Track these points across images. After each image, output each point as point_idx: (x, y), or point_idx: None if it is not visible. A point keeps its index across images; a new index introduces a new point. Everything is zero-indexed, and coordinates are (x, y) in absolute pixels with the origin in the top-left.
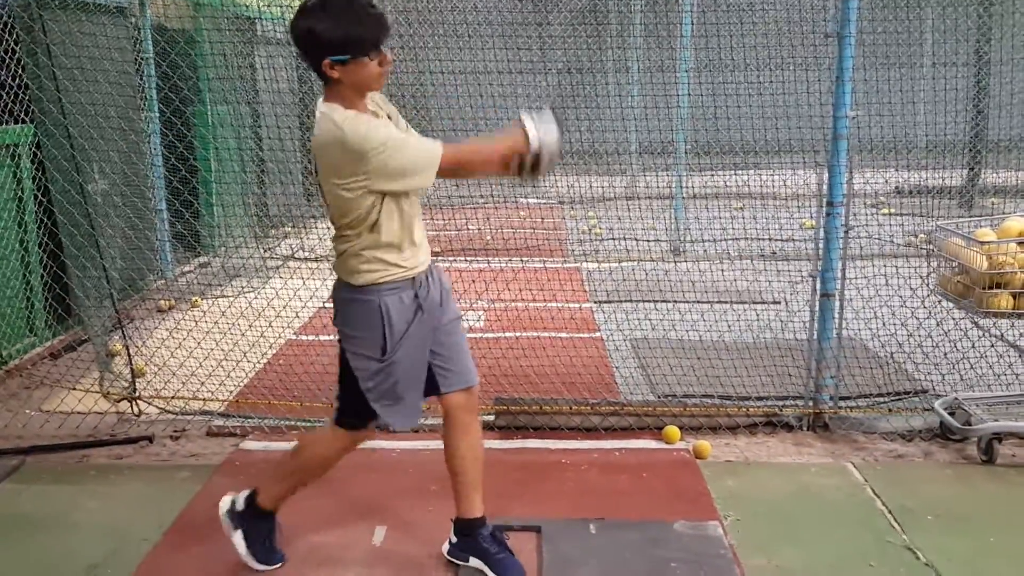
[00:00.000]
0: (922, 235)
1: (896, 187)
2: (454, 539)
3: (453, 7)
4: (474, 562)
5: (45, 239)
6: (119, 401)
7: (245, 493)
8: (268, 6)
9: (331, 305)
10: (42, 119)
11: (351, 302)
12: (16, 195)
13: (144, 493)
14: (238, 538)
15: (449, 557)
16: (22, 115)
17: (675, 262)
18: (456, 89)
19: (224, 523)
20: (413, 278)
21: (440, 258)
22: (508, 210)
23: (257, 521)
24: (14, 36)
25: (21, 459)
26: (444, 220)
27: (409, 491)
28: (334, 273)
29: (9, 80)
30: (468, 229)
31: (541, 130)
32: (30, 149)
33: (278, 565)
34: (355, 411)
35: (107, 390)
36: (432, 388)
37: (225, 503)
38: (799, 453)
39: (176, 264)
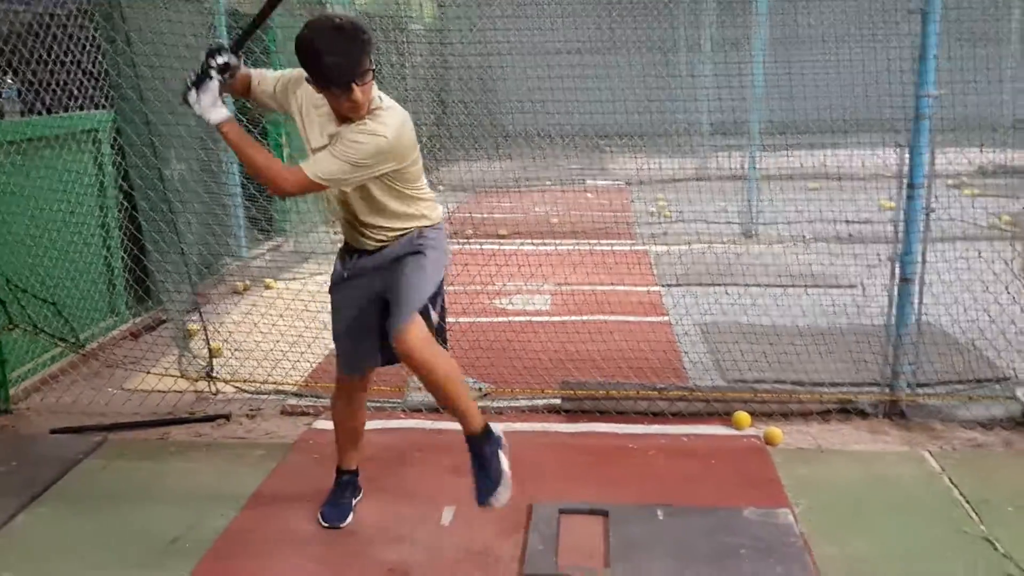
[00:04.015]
0: (1007, 217)
1: (980, 167)
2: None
3: None
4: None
5: (126, 223)
6: (197, 381)
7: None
8: None
9: None
10: (121, 105)
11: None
12: (98, 179)
13: (222, 469)
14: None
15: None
16: (103, 101)
17: (747, 244)
18: (524, 71)
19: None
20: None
21: (507, 242)
22: (575, 193)
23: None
24: (94, 23)
25: (104, 436)
26: (511, 203)
27: None
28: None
29: (89, 67)
30: (535, 212)
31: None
32: (110, 135)
33: (339, 524)
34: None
35: (185, 370)
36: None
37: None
38: (874, 441)
39: (250, 247)
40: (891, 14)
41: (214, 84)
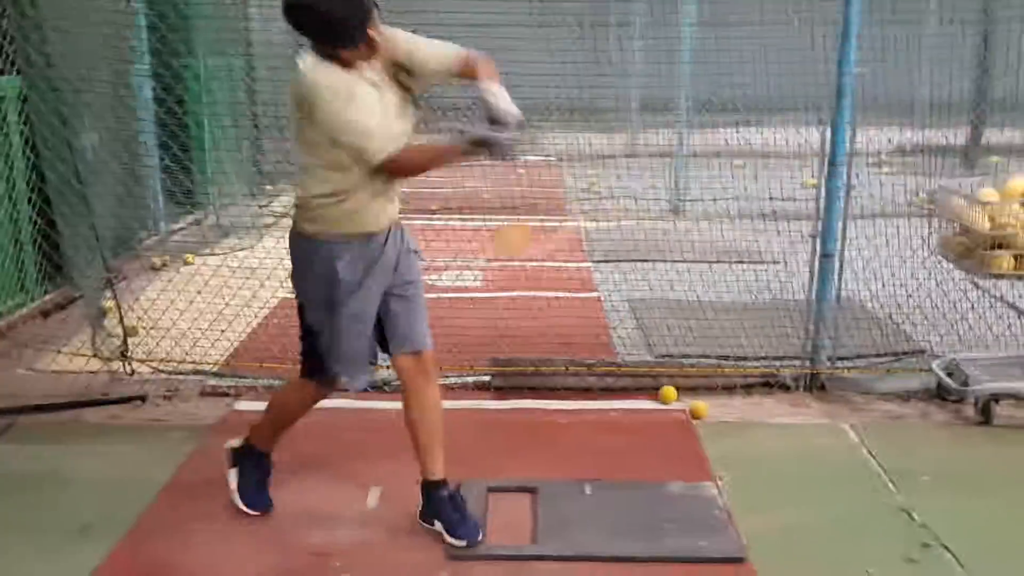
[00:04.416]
0: (924, 195)
1: (899, 146)
2: (420, 502)
3: None
4: (436, 524)
5: (35, 195)
6: (111, 361)
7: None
8: None
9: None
10: (28, 71)
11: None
12: (3, 149)
13: (138, 453)
14: (232, 475)
15: (420, 521)
16: (9, 67)
17: (675, 221)
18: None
19: (225, 460)
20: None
21: (436, 216)
22: (506, 168)
23: (249, 459)
24: None
25: (12, 419)
26: (441, 178)
27: (406, 452)
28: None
29: None
30: (465, 187)
31: (502, 103)
32: (18, 102)
33: (261, 511)
34: (319, 363)
35: (99, 349)
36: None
37: (233, 441)
38: (796, 414)
39: (169, 221)
40: None
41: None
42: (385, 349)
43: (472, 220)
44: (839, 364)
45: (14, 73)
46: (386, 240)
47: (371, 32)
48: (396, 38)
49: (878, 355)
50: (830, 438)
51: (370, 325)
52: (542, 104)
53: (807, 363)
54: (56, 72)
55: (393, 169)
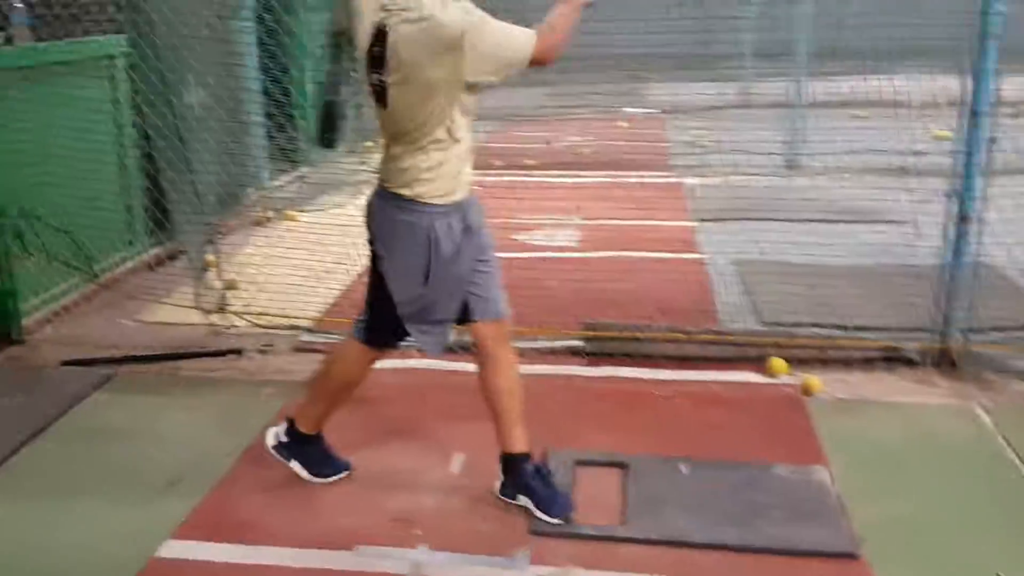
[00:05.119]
0: None
1: None
2: (501, 477)
3: None
4: (521, 499)
5: (143, 151)
6: (210, 314)
7: (284, 425)
8: None
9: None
10: (133, 30)
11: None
12: (113, 106)
13: (230, 407)
14: (296, 467)
15: (500, 496)
16: (119, 27)
17: (790, 177)
18: None
19: (277, 459)
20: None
21: (533, 173)
22: (608, 122)
23: (305, 447)
24: None
25: (114, 369)
26: (541, 132)
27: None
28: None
29: None
30: (565, 142)
31: None
32: (125, 60)
33: (346, 472)
34: (391, 329)
35: (199, 302)
36: (464, 315)
37: (270, 439)
38: (921, 392)
39: (273, 177)
40: None
41: None
42: (466, 314)
43: (569, 177)
44: (972, 338)
45: (124, 33)
46: (473, 204)
47: None
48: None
49: (1018, 328)
50: (960, 421)
51: (459, 296)
52: (650, 54)
53: (936, 336)
54: (158, 31)
55: (548, 50)
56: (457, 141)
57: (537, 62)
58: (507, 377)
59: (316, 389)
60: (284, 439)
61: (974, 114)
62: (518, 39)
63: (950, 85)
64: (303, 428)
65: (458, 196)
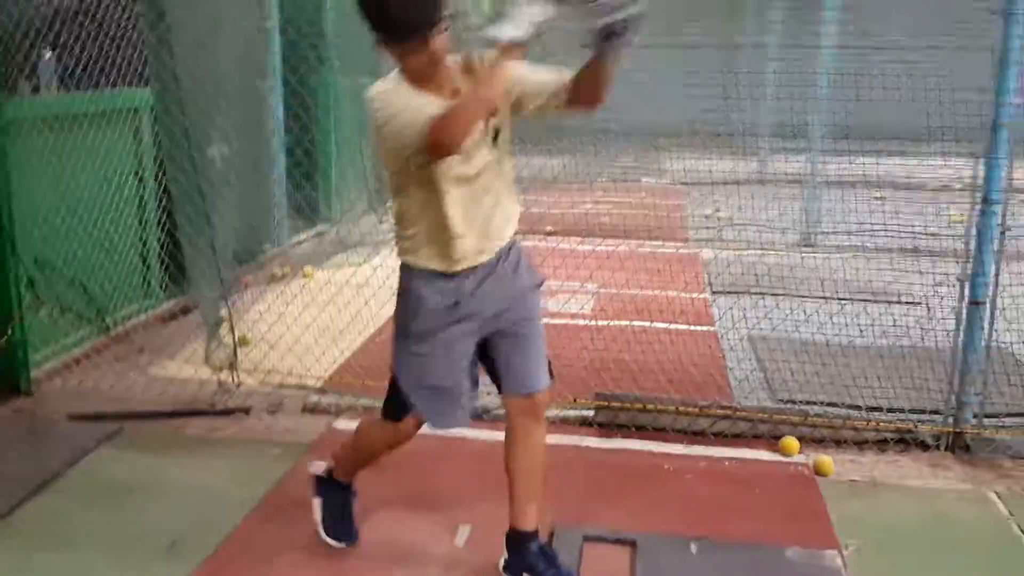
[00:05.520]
0: None
1: None
2: (506, 553)
3: None
4: None
5: (163, 204)
6: (220, 370)
7: (332, 463)
8: None
9: None
10: (156, 85)
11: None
12: (136, 159)
13: (235, 468)
14: (316, 504)
15: (504, 574)
16: (141, 79)
17: (804, 254)
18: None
19: (310, 487)
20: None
21: (548, 239)
22: (627, 191)
23: (333, 491)
24: None
25: (121, 424)
26: (561, 199)
27: (501, 489)
28: None
29: (129, 44)
30: (583, 208)
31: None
32: (150, 113)
33: (345, 544)
34: (399, 401)
35: (210, 359)
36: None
37: (319, 467)
38: (934, 476)
39: (292, 233)
40: (971, 15)
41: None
42: (499, 386)
43: (586, 244)
44: (987, 423)
45: (147, 86)
46: (483, 280)
47: (433, 37)
48: (512, 69)
49: None
50: (974, 507)
51: (457, 367)
52: (670, 127)
53: (949, 419)
54: (183, 86)
55: (440, 130)
56: (426, 215)
57: (433, 149)
58: (529, 458)
59: (346, 448)
60: (323, 475)
61: (986, 200)
62: (415, 125)
63: (963, 171)
64: (337, 475)
65: (438, 267)
